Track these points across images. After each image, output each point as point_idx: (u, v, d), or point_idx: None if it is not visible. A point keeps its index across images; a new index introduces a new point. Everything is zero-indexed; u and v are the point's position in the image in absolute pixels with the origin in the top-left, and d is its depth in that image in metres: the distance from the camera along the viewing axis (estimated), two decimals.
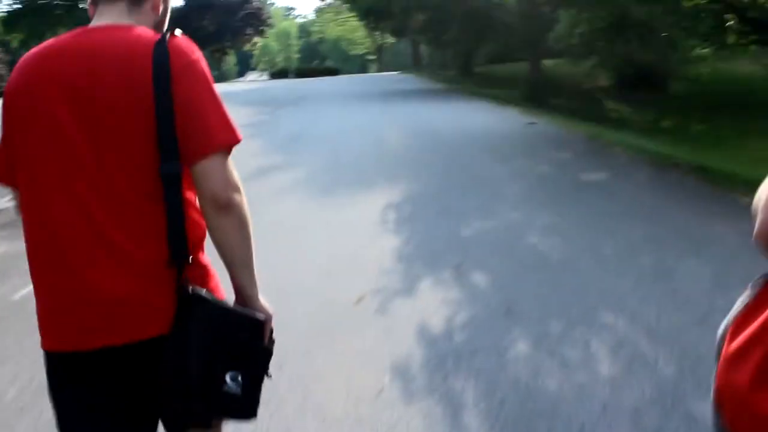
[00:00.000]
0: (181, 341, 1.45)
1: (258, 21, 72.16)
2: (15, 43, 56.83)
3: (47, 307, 1.52)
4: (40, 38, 60.87)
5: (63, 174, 1.46)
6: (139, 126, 1.44)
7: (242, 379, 1.48)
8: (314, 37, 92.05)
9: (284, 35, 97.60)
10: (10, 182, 1.58)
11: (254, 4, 72.41)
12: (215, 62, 77.43)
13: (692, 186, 8.55)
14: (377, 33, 57.54)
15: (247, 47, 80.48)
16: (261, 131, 14.92)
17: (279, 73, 63.11)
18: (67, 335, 1.49)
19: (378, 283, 4.71)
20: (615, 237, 5.85)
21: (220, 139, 1.47)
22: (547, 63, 34.90)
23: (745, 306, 1.04)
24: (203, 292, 1.49)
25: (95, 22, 1.57)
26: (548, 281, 4.72)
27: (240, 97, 27.76)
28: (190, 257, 1.50)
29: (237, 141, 1.50)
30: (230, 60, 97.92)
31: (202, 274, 1.55)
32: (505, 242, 5.71)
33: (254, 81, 66.65)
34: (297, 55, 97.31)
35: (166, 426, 1.63)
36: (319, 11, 78.97)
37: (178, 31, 1.53)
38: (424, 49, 56.26)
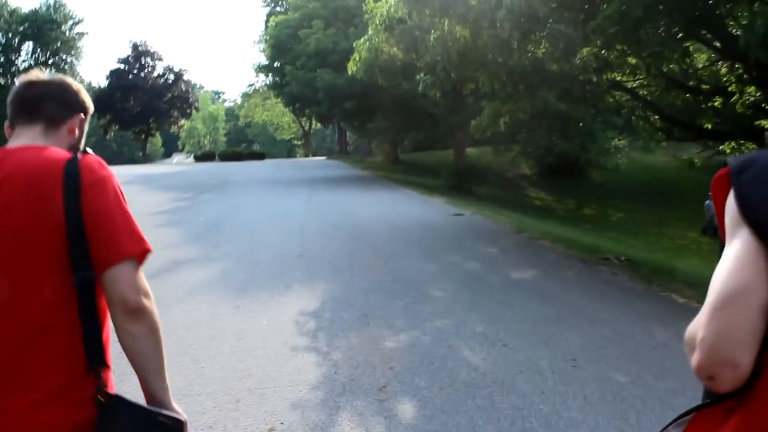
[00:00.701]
0: None
1: (184, 104, 71.76)
2: None
3: None
4: None
5: None
6: (49, 239, 1.51)
7: None
8: (242, 121, 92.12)
9: (212, 118, 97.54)
10: None
11: (180, 87, 72.15)
12: (140, 143, 76.30)
13: (626, 284, 8.30)
14: (304, 119, 57.84)
15: (173, 129, 79.72)
16: (179, 219, 14.23)
17: (204, 156, 62.27)
18: None
19: (289, 416, 4.07)
20: (552, 347, 5.40)
21: (128, 247, 1.55)
22: (471, 151, 35.56)
23: None
24: (122, 396, 1.52)
25: (11, 143, 1.66)
26: (484, 406, 4.18)
27: (162, 180, 26.94)
28: (106, 362, 1.54)
29: (146, 251, 1.58)
30: (156, 141, 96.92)
31: (109, 378, 1.57)
32: (433, 356, 5.17)
33: (179, 163, 65.70)
34: (224, 138, 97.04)
35: None
36: (246, 96, 79.01)
37: (89, 150, 1.66)
38: (350, 135, 56.91)
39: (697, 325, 1.04)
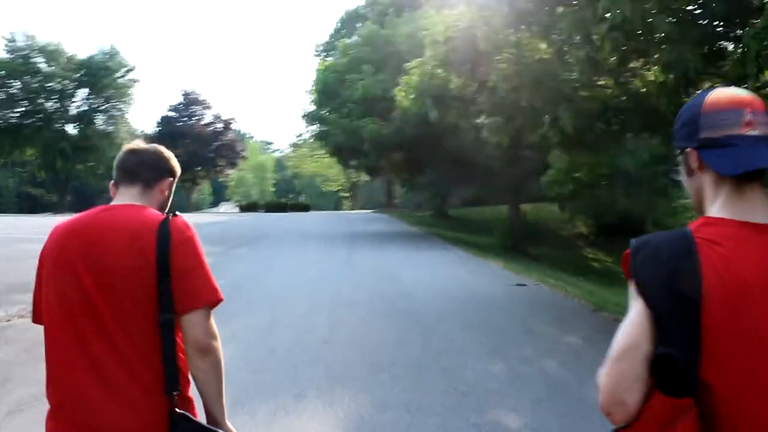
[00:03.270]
0: None
1: (232, 153, 71.19)
2: None
3: (55, 425, 1.96)
4: (8, 155, 59.71)
5: (74, 320, 1.94)
6: (142, 284, 1.93)
7: None
8: (289, 172, 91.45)
9: (260, 168, 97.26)
10: (41, 322, 2.07)
11: (229, 136, 71.73)
12: (186, 192, 75.87)
13: None
14: (351, 170, 56.38)
15: (220, 178, 79.23)
16: None
17: (248, 207, 61.12)
18: None
19: None
20: None
21: (204, 297, 1.98)
22: (525, 207, 33.30)
23: None
24: (190, 415, 1.95)
25: (116, 201, 2.14)
26: None
27: (198, 231, 25.25)
28: (180, 388, 1.95)
29: (218, 300, 2.02)
30: (205, 190, 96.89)
31: (189, 405, 2.01)
32: None
33: (224, 213, 64.76)
34: (272, 189, 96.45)
35: None
36: (295, 146, 78.37)
37: (178, 213, 2.10)
38: (398, 188, 55.14)
39: (600, 375, 1.41)
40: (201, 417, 2.04)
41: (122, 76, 65.23)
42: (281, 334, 7.81)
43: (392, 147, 28.25)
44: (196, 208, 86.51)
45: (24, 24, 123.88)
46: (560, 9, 6.57)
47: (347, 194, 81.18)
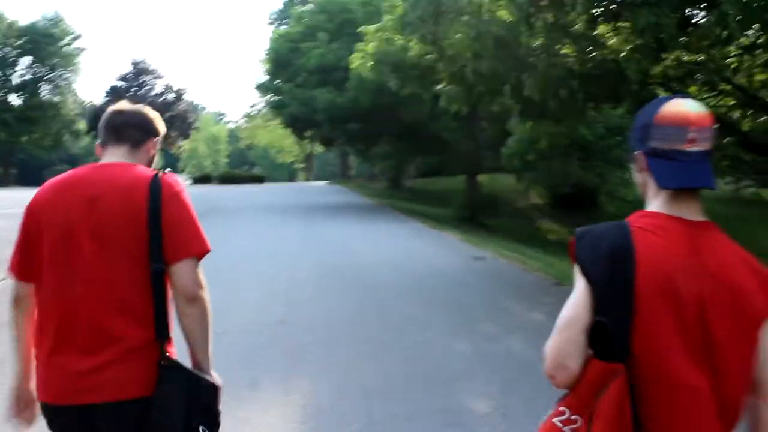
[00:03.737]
0: (166, 400, 2.01)
1: (184, 124, 69.58)
2: None
3: (51, 373, 2.08)
4: None
5: (71, 268, 2.06)
6: (135, 236, 2.05)
7: (208, 429, 2.06)
8: (243, 144, 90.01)
9: (213, 140, 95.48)
10: (25, 278, 2.17)
11: (181, 106, 70.11)
12: None
13: None
14: (305, 141, 55.64)
15: (172, 150, 77.60)
16: None
17: (201, 179, 59.97)
18: (65, 394, 2.04)
19: None
20: None
21: (193, 248, 2.10)
22: (481, 178, 33.20)
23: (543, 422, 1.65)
24: (179, 361, 2.06)
25: (105, 160, 2.25)
26: None
27: None
28: (170, 335, 2.09)
29: (206, 250, 2.14)
30: (157, 162, 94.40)
31: (172, 349, 2.11)
32: None
33: None
34: (226, 160, 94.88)
35: None
36: (249, 117, 77.04)
37: (168, 170, 2.28)
38: (353, 159, 54.65)
39: (547, 344, 1.60)
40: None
41: (68, 44, 63.05)
42: (235, 315, 7.40)
43: (347, 117, 27.77)
44: None
45: None
46: None
47: (302, 165, 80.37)
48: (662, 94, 8.09)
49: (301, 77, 29.86)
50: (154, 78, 69.39)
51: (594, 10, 5.94)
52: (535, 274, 11.16)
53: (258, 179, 55.48)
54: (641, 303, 1.52)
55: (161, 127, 2.45)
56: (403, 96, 23.65)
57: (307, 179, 69.77)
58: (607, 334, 1.51)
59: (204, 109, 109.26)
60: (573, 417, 1.57)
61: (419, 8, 8.18)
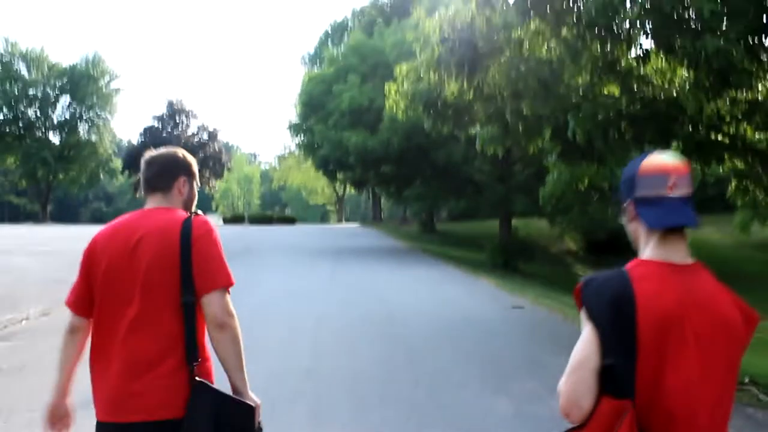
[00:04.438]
0: (193, 419, 2.18)
1: (217, 164, 70.29)
2: None
3: (101, 395, 2.38)
4: None
5: (117, 305, 2.34)
6: (169, 272, 2.30)
7: None
8: (275, 185, 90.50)
9: (246, 180, 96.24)
10: (80, 313, 2.49)
11: (214, 146, 70.83)
12: None
13: None
14: (337, 183, 55.59)
15: (205, 190, 78.23)
16: None
17: (233, 219, 60.11)
18: (112, 413, 2.30)
19: None
20: None
21: (219, 280, 2.32)
22: (515, 223, 32.58)
23: None
24: (207, 383, 2.25)
25: (147, 206, 2.53)
26: None
27: None
28: (199, 359, 2.28)
29: (231, 283, 2.35)
30: (195, 197, 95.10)
31: (207, 370, 2.34)
32: None
33: None
34: (258, 201, 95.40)
35: None
36: (281, 158, 77.54)
37: (200, 211, 2.50)
38: (384, 201, 54.38)
39: (561, 383, 1.75)
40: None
41: (106, 85, 64.18)
42: (259, 363, 6.95)
43: (379, 160, 27.51)
44: None
45: (5, 30, 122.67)
46: None
47: (333, 207, 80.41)
48: (717, 136, 7.63)
49: (332, 119, 29.77)
50: (189, 118, 70.42)
51: (647, 41, 5.53)
52: (576, 325, 10.58)
53: (289, 220, 55.47)
54: (642, 344, 1.70)
55: (189, 164, 2.63)
56: (436, 138, 23.38)
57: (339, 221, 69.64)
58: (617, 374, 1.70)
59: (237, 149, 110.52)
60: None
61: (456, 53, 7.79)
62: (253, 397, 2.36)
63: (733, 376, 1.80)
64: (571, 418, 1.74)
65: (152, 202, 2.53)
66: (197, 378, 2.25)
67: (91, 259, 2.45)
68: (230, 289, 2.37)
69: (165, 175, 2.54)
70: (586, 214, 28.66)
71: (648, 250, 1.85)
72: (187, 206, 2.56)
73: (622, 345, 1.69)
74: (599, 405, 1.69)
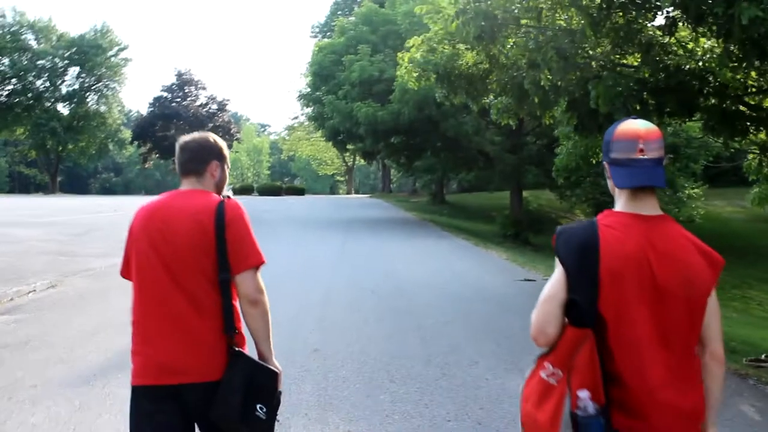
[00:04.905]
0: (229, 382, 2.46)
1: (226, 135, 69.95)
2: None
3: (142, 359, 2.57)
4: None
5: (153, 279, 2.57)
6: (205, 251, 2.53)
7: (266, 409, 2.50)
8: (285, 155, 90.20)
9: (256, 151, 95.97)
10: (127, 277, 2.72)
11: (224, 117, 70.53)
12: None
13: None
14: (347, 154, 55.26)
15: None
16: None
17: (242, 190, 60.03)
18: (153, 376, 2.52)
19: None
20: None
21: (251, 261, 2.57)
22: (526, 194, 32.29)
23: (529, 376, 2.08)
24: (243, 351, 2.53)
25: (182, 187, 2.74)
26: None
27: None
28: (237, 329, 2.55)
29: (262, 263, 2.59)
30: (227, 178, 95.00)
31: (241, 340, 2.57)
32: None
33: None
34: (267, 172, 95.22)
35: None
36: (291, 129, 77.12)
37: (231, 195, 2.72)
38: (394, 172, 54.07)
39: (533, 313, 2.05)
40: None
41: (114, 55, 63.81)
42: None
43: (389, 131, 27.17)
44: None
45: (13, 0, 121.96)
46: None
47: (343, 178, 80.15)
48: (741, 108, 7.33)
49: (343, 90, 29.39)
50: (198, 89, 70.01)
51: (675, 11, 5.22)
52: None
53: (299, 191, 55.36)
54: (604, 284, 1.96)
55: (220, 148, 2.80)
56: (447, 109, 23.02)
57: (348, 192, 69.42)
58: (578, 308, 1.97)
59: (247, 120, 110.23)
60: (555, 370, 2.00)
61: (474, 26, 7.48)
62: (276, 364, 2.64)
63: (695, 325, 2.04)
64: (539, 342, 2.04)
65: (187, 184, 2.73)
66: (235, 347, 2.53)
67: (132, 233, 2.70)
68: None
69: (198, 159, 2.73)
70: (599, 187, 28.37)
71: (619, 203, 2.11)
72: (219, 188, 2.78)
73: (585, 283, 1.98)
74: (564, 333, 2.00)
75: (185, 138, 2.80)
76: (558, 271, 2.03)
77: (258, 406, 2.49)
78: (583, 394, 1.95)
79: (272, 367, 2.59)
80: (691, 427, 2.03)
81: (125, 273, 2.74)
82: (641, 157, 2.03)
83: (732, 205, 37.72)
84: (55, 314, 7.89)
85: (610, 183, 2.16)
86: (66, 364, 5.98)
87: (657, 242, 2.00)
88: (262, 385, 2.52)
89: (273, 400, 2.56)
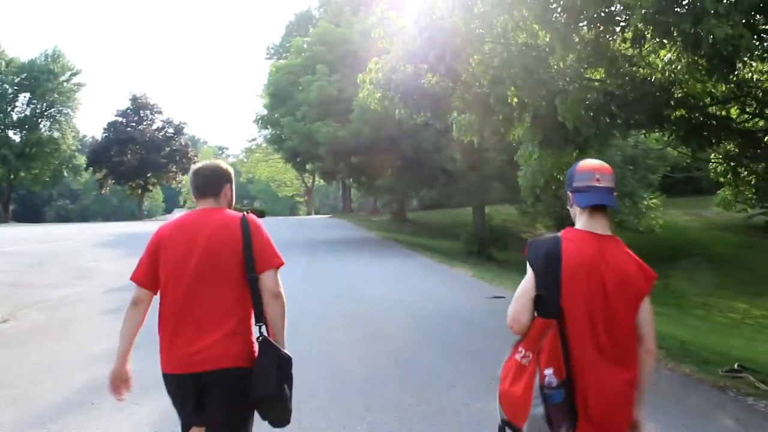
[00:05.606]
0: (264, 366, 2.93)
1: (184, 158, 69.12)
2: None
3: (173, 352, 3.01)
4: None
5: (188, 280, 3.02)
6: (234, 256, 3.02)
7: (288, 389, 2.98)
8: (243, 178, 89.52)
9: None
10: (146, 286, 3.12)
11: (181, 140, 69.66)
12: (136, 198, 73.21)
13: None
14: (306, 174, 54.97)
15: (173, 184, 76.93)
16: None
17: None
18: (184, 365, 2.96)
19: None
20: None
21: (274, 261, 3.08)
22: (488, 210, 32.38)
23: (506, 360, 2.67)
24: (270, 339, 2.99)
25: (200, 207, 3.22)
26: None
27: (142, 242, 23.61)
28: (265, 320, 3.03)
29: (281, 263, 3.10)
30: (157, 196, 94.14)
31: (268, 329, 3.04)
32: None
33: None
34: None
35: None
36: (249, 151, 76.58)
37: (250, 211, 3.26)
38: (354, 192, 53.92)
39: (509, 307, 2.60)
40: None
41: (67, 80, 62.64)
42: None
43: (349, 151, 27.04)
44: (149, 215, 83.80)
45: None
46: None
47: (303, 199, 79.72)
48: (709, 120, 7.35)
49: (301, 110, 29.18)
50: (154, 112, 69.11)
51: (646, 26, 5.18)
52: None
53: (259, 213, 54.83)
54: (564, 284, 2.54)
55: (230, 172, 3.34)
56: (407, 127, 22.98)
57: (309, 213, 69.04)
58: (545, 302, 2.54)
59: (205, 143, 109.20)
60: (527, 353, 2.58)
61: (436, 45, 7.39)
62: (287, 351, 3.04)
63: (631, 325, 2.62)
64: (514, 329, 2.62)
65: (204, 204, 3.23)
66: (264, 335, 2.99)
67: (159, 245, 3.13)
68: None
69: (214, 183, 3.25)
70: (559, 200, 28.54)
71: (579, 223, 2.70)
72: (230, 205, 3.30)
73: (550, 283, 2.54)
74: (533, 322, 2.58)
75: (199, 165, 3.32)
76: (529, 273, 2.61)
77: (285, 385, 2.96)
78: (548, 371, 2.48)
79: (287, 353, 3.03)
80: (629, 394, 2.61)
81: (140, 278, 3.12)
82: (598, 184, 2.64)
83: (688, 214, 38.40)
84: (8, 351, 7.50)
85: (571, 210, 2.77)
86: (19, 407, 5.58)
87: (606, 255, 2.60)
88: (285, 368, 2.99)
89: (290, 383, 3.02)
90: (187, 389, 2.97)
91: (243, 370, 2.95)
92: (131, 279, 3.12)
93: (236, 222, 3.09)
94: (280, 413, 3.01)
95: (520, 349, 2.59)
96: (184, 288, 3.00)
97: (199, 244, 3.03)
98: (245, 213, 3.18)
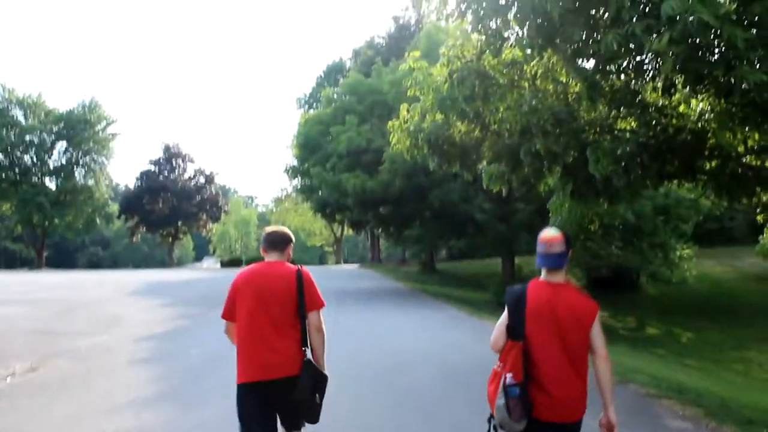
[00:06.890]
0: (305, 379, 4.07)
1: (214, 207, 70.02)
2: None
3: (251, 365, 4.13)
4: None
5: (258, 315, 4.15)
6: (290, 299, 4.20)
7: (320, 398, 4.16)
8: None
9: (244, 223, 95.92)
10: (230, 319, 4.27)
11: (211, 190, 70.61)
12: (167, 246, 73.97)
13: None
14: (335, 224, 55.16)
15: (203, 233, 77.71)
16: (166, 351, 10.97)
17: (231, 262, 59.52)
18: (260, 374, 4.10)
19: None
20: None
21: (318, 304, 4.32)
22: (518, 261, 32.06)
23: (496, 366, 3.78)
24: (312, 360, 4.20)
25: (268, 259, 4.36)
26: None
27: (175, 290, 23.90)
28: (308, 344, 4.24)
29: (323, 305, 4.31)
30: (187, 244, 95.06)
31: (311, 352, 4.28)
32: None
33: (207, 269, 62.83)
34: (255, 244, 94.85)
35: (284, 424, 4.21)
36: (278, 201, 77.20)
37: (302, 266, 4.36)
38: (383, 242, 53.89)
39: (492, 335, 3.85)
40: None
41: (103, 130, 64.05)
42: None
43: (378, 201, 27.12)
44: (179, 263, 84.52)
45: (2, 76, 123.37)
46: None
47: (331, 248, 79.85)
48: (743, 170, 7.23)
49: (331, 161, 29.42)
50: (186, 162, 70.31)
51: (676, 74, 5.13)
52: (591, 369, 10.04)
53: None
54: (528, 318, 3.62)
55: (291, 236, 4.50)
56: (435, 177, 23.00)
57: (337, 262, 69.05)
58: (514, 330, 3.63)
59: (235, 192, 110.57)
60: (500, 364, 3.64)
61: (466, 87, 7.44)
62: (325, 372, 4.21)
63: (584, 343, 3.63)
64: (494, 350, 3.71)
65: (272, 257, 4.35)
66: (308, 357, 4.15)
67: (238, 288, 4.23)
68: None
69: (282, 242, 4.40)
70: (588, 250, 28.18)
71: (542, 275, 3.75)
72: (289, 259, 4.40)
73: (518, 318, 3.62)
74: (506, 344, 3.63)
75: (271, 228, 4.52)
76: (505, 312, 3.73)
77: (317, 394, 4.12)
78: (509, 375, 3.53)
79: (324, 373, 4.20)
80: (579, 403, 3.63)
81: (227, 316, 4.26)
82: (550, 251, 3.69)
83: (722, 264, 37.63)
84: (34, 401, 7.47)
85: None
86: None
87: (560, 296, 3.65)
88: (320, 382, 4.14)
89: (323, 393, 4.17)
90: (258, 394, 4.09)
91: (295, 378, 4.06)
92: (221, 317, 4.28)
93: (293, 273, 4.22)
94: (311, 413, 4.15)
95: (498, 362, 3.66)
96: (259, 319, 4.12)
97: (269, 288, 4.16)
98: (299, 267, 4.26)
